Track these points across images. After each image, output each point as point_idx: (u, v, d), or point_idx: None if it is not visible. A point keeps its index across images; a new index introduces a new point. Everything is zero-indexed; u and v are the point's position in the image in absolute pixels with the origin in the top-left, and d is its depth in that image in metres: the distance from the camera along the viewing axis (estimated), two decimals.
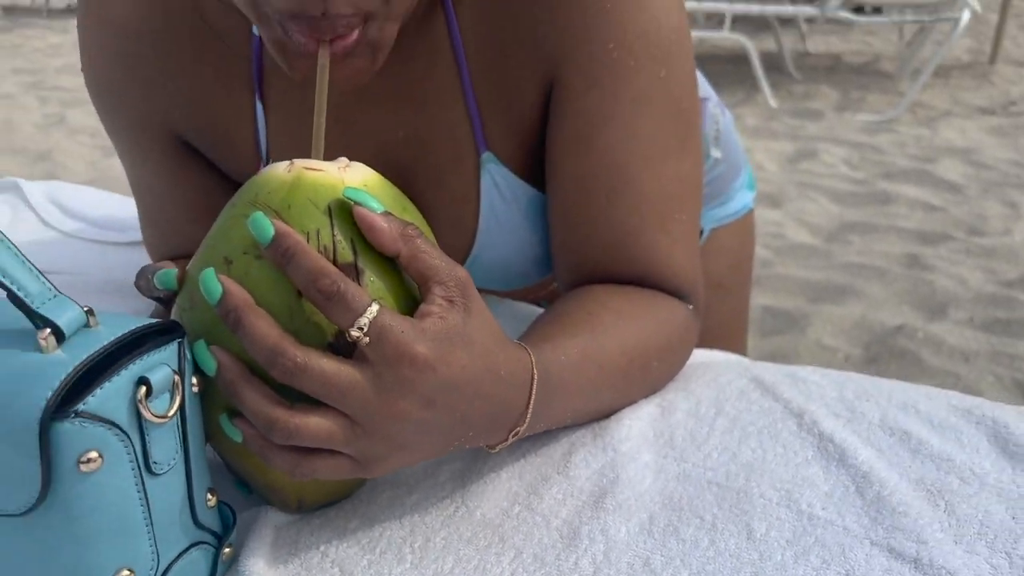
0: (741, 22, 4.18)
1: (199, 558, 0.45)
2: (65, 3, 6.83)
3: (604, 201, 0.63)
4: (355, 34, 0.50)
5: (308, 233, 0.44)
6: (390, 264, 0.46)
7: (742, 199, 1.01)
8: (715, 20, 4.16)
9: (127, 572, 0.41)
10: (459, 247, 0.70)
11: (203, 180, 0.72)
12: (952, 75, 4.13)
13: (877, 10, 4.19)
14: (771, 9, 3.57)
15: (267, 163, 0.68)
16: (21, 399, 0.37)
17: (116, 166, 2.98)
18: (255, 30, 0.63)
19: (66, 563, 0.40)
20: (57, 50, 5.15)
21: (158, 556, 0.42)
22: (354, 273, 0.44)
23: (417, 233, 0.46)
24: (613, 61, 0.60)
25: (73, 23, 5.90)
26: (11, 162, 3.06)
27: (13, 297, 0.39)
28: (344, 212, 0.45)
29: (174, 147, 0.70)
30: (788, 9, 3.53)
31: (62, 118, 3.60)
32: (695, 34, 4.07)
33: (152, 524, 0.42)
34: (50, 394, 0.37)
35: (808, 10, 3.52)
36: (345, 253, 0.45)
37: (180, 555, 0.44)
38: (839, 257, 2.09)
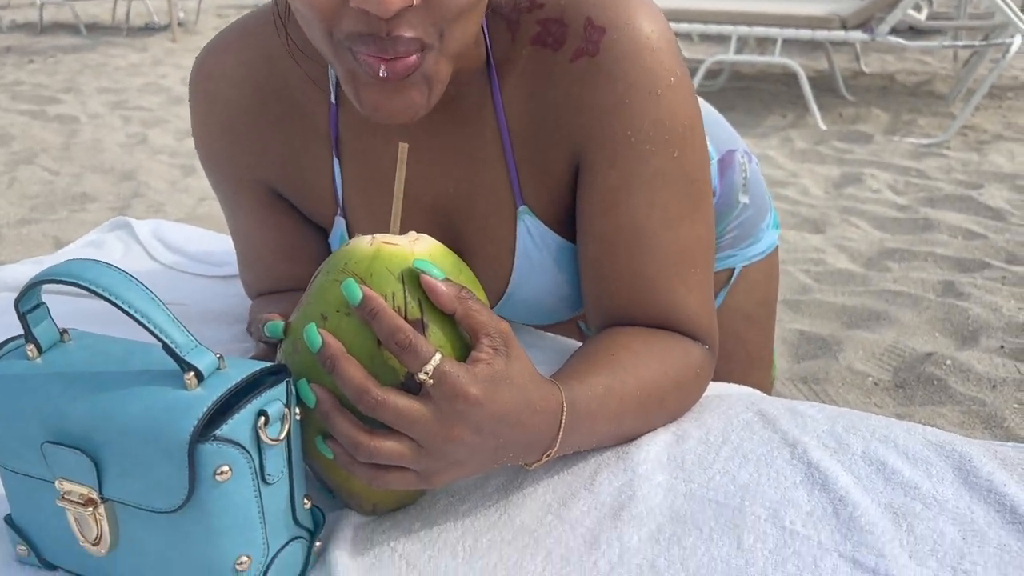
0: (795, 43, 4.22)
1: (297, 549, 0.58)
2: (143, 21, 7.13)
3: (627, 257, 0.74)
4: (413, 58, 0.60)
5: (385, 295, 0.56)
6: (448, 320, 0.58)
7: (769, 239, 1.11)
8: (768, 42, 4.21)
9: (246, 558, 0.53)
10: (497, 284, 0.83)
11: (290, 224, 0.85)
12: (1007, 97, 4.11)
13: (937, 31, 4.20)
14: (821, 35, 3.62)
15: (343, 207, 0.81)
16: (174, 426, 0.50)
17: (193, 185, 3.17)
18: (332, 99, 0.76)
19: (201, 550, 0.52)
20: (137, 69, 5.34)
21: (268, 546, 0.55)
22: (421, 327, 0.56)
23: (470, 295, 0.58)
24: (632, 145, 0.71)
25: (150, 41, 6.21)
26: (101, 181, 3.23)
27: (167, 348, 0.51)
28: (413, 278, 0.57)
29: (267, 198, 0.84)
30: (839, 34, 3.58)
31: (144, 138, 3.79)
32: (746, 58, 4.12)
33: (265, 522, 0.54)
34: (196, 423, 0.49)
35: (859, 35, 3.56)
36: (414, 311, 0.57)
37: (283, 546, 0.56)
38: (876, 284, 2.15)
